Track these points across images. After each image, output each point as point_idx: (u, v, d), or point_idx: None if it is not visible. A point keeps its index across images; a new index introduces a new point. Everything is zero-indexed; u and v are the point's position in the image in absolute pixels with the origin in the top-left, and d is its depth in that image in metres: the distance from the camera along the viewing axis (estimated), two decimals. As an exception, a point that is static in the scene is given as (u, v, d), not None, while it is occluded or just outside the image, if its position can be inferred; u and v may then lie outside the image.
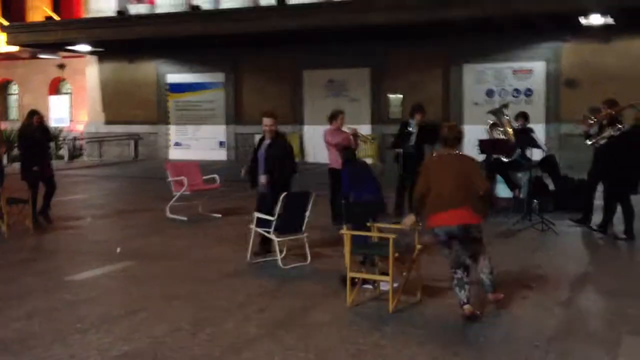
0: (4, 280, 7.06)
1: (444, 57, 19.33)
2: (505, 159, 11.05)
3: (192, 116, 22.78)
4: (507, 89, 18.85)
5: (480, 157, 11.66)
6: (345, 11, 17.36)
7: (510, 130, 11.16)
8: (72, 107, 28.06)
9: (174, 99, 23.23)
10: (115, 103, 23.99)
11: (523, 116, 11.31)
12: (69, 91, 29.66)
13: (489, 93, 19.06)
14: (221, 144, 22.22)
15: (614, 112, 9.40)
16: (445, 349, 4.94)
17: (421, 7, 16.57)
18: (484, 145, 11.15)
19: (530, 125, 11.32)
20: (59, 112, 24.78)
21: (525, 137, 10.71)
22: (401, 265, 6.05)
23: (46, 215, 10.51)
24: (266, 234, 7.66)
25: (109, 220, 11.33)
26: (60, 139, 24.22)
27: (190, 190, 10.95)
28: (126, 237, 9.56)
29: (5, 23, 23.86)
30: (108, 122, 24.21)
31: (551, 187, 11.54)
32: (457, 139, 5.86)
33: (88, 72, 24.63)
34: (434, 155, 6.82)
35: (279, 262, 7.44)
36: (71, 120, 26.52)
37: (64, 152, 24.15)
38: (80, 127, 26.24)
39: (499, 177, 11.15)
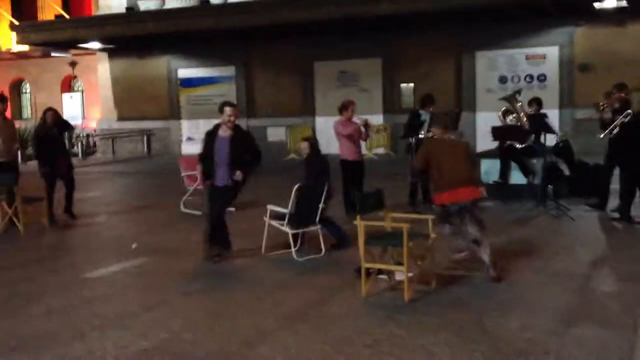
0: (21, 278, 7.12)
1: (456, 44, 19.20)
2: (518, 145, 10.97)
3: (204, 111, 22.79)
4: (520, 75, 18.70)
5: (494, 144, 11.64)
6: (355, 2, 17.27)
7: (523, 117, 11.08)
8: (84, 104, 28.24)
9: (185, 93, 23.29)
10: (127, 99, 24.08)
11: (536, 102, 11.20)
12: (81, 89, 29.82)
13: (502, 79, 18.92)
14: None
15: (623, 94, 9.37)
16: (461, 337, 4.93)
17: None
18: (496, 132, 11.09)
19: (544, 111, 11.22)
20: (72, 110, 24.95)
21: (539, 122, 10.62)
22: (415, 255, 6.03)
23: (70, 213, 10.66)
24: (280, 227, 7.66)
25: (123, 217, 11.39)
26: (74, 136, 24.37)
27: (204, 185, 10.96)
28: (141, 233, 9.61)
29: (16, 22, 24.00)
30: (120, 118, 24.31)
31: (566, 172, 11.45)
32: (456, 123, 6.48)
33: (99, 69, 24.73)
34: (433, 136, 7.01)
35: (294, 255, 7.45)
36: (84, 118, 26.69)
37: (77, 149, 24.30)
38: (93, 124, 26.40)
39: (513, 164, 11.08)
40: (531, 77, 18.59)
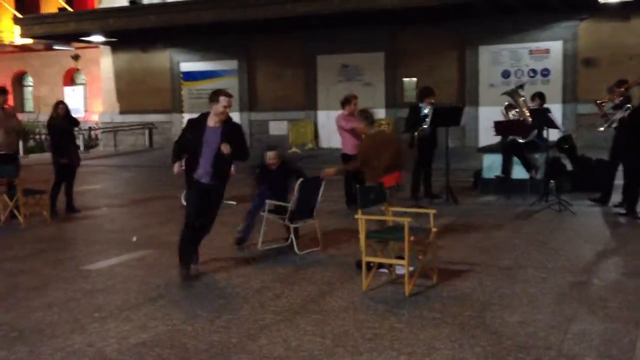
0: (22, 270, 7.12)
1: (459, 39, 19.16)
2: (521, 140, 10.94)
3: (206, 104, 22.62)
4: (524, 69, 18.66)
5: (497, 138, 11.61)
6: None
7: (526, 111, 11.04)
8: (86, 97, 28.23)
9: (187, 87, 23.27)
10: (130, 93, 24.08)
11: (539, 96, 11.17)
12: (84, 82, 29.81)
13: (505, 74, 18.87)
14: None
15: (624, 89, 9.36)
16: (463, 332, 4.91)
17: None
18: (499, 127, 11.06)
19: (547, 106, 11.18)
20: (74, 103, 24.88)
21: (541, 117, 10.59)
22: (417, 249, 6.01)
23: (72, 207, 10.69)
24: (281, 221, 7.65)
25: (124, 209, 11.39)
26: (76, 129, 24.36)
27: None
28: (142, 225, 9.61)
29: (19, 15, 23.98)
30: (123, 111, 24.32)
31: (569, 167, 11.42)
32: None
33: (102, 62, 24.71)
34: (370, 132, 7.30)
35: (295, 248, 7.44)
36: (86, 111, 26.70)
37: (79, 142, 24.30)
38: (95, 117, 26.39)
39: (515, 158, 11.05)
40: (534, 71, 18.54)
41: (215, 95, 6.67)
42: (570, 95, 18.11)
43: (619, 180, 9.70)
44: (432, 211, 6.26)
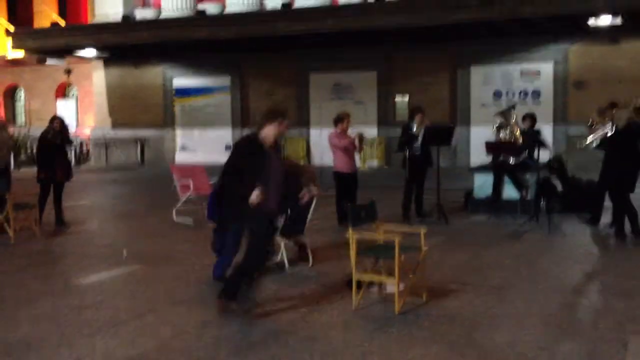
0: (11, 284, 7.07)
1: (451, 59, 19.30)
2: (512, 160, 11.00)
3: (198, 120, 22.81)
4: (515, 90, 18.81)
5: (487, 159, 11.66)
6: (351, 15, 17.37)
7: (517, 132, 11.12)
8: (78, 111, 28.18)
9: (180, 102, 23.29)
10: (122, 107, 24.07)
11: (530, 117, 11.26)
12: (76, 96, 29.77)
13: (497, 94, 19.01)
14: (227, 147, 22.25)
15: (614, 111, 9.49)
16: (452, 351, 4.91)
17: (428, 10, 16.57)
18: (490, 147, 11.12)
19: (537, 127, 11.27)
20: (66, 117, 24.81)
21: (532, 138, 10.67)
22: (407, 267, 6.01)
23: (62, 221, 10.68)
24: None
25: (115, 224, 11.34)
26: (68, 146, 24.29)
27: (196, 194, 10.93)
28: (132, 240, 9.57)
29: (12, 29, 23.98)
30: (115, 126, 24.28)
31: (559, 188, 11.48)
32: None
33: (94, 76, 24.71)
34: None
35: (286, 265, 7.43)
36: (78, 125, 26.62)
37: (70, 156, 24.22)
38: (87, 132, 26.33)
39: (506, 178, 11.10)
40: (525, 92, 18.69)
41: (276, 115, 6.02)
42: (560, 117, 18.26)
43: (609, 202, 9.75)
44: (422, 230, 6.27)
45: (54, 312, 6.00)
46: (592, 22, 16.10)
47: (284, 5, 19.26)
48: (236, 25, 18.86)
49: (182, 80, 23.23)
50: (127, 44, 20.75)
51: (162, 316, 5.89)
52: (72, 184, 11.92)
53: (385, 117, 20.22)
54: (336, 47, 19.70)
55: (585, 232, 9.66)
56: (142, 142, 23.77)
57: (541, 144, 10.50)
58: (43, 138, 10.66)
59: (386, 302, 6.07)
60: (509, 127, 11.30)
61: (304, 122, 21.32)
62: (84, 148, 25.57)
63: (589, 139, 9.96)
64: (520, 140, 10.97)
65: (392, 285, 5.98)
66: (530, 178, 10.93)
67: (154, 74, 23.56)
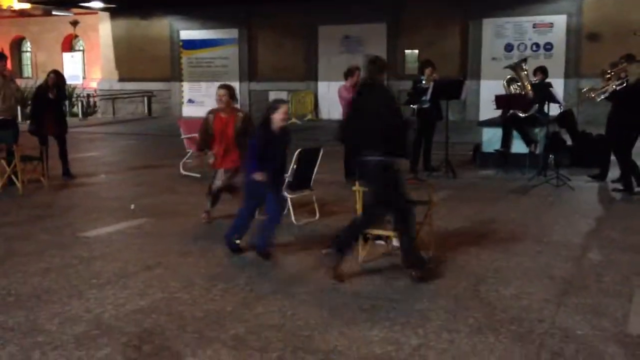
0: (19, 236, 7.13)
1: (463, 11, 18.98)
2: (522, 114, 10.90)
3: (205, 73, 22.66)
4: (527, 43, 18.52)
5: (498, 112, 11.56)
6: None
7: (528, 85, 10.98)
8: (85, 64, 28.01)
9: (187, 55, 23.10)
10: (129, 60, 23.91)
11: (541, 70, 11.10)
12: (82, 48, 29.56)
13: (508, 48, 18.74)
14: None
15: (627, 65, 9.34)
16: (458, 304, 4.94)
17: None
18: (500, 101, 11.01)
19: (549, 80, 11.12)
20: (72, 70, 24.76)
21: (543, 92, 10.53)
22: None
23: (68, 173, 10.78)
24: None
25: (122, 178, 11.38)
26: (74, 96, 24.22)
27: (204, 147, 10.91)
28: (140, 194, 9.60)
29: (18, -21, 23.68)
30: (121, 79, 24.17)
31: (568, 142, 11.40)
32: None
33: (101, 29, 24.49)
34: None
35: (292, 219, 7.44)
36: (84, 78, 26.51)
37: (77, 109, 24.19)
38: (93, 85, 26.23)
39: (515, 132, 11.02)
40: (538, 45, 18.41)
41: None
42: (572, 70, 18.01)
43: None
44: (430, 184, 6.24)
45: (62, 264, 6.06)
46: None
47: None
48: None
49: (189, 32, 23.00)
50: (133, -5, 20.50)
51: (171, 268, 5.94)
52: (79, 137, 11.95)
53: (395, 70, 19.99)
54: (345, -1, 19.40)
55: (592, 187, 9.62)
56: (149, 95, 23.69)
57: (551, 97, 10.37)
58: (37, 93, 10.78)
59: (393, 256, 6.10)
60: (519, 81, 11.17)
61: (313, 75, 21.14)
62: (91, 101, 25.52)
63: (598, 92, 9.79)
64: (531, 94, 10.84)
65: (398, 240, 5.99)
66: (539, 132, 10.85)
67: (161, 26, 23.31)
